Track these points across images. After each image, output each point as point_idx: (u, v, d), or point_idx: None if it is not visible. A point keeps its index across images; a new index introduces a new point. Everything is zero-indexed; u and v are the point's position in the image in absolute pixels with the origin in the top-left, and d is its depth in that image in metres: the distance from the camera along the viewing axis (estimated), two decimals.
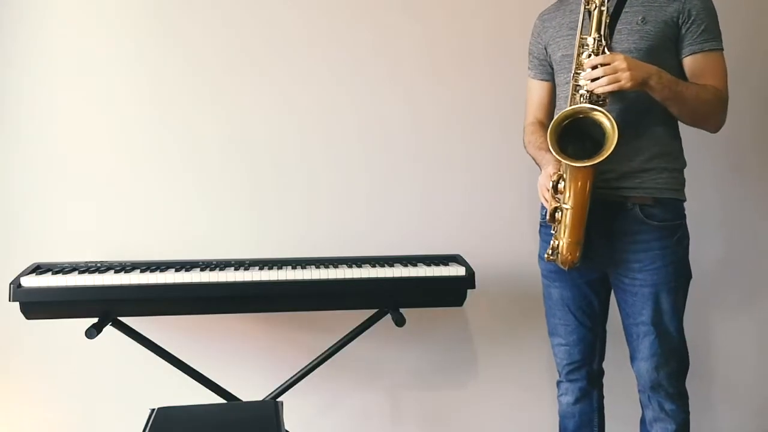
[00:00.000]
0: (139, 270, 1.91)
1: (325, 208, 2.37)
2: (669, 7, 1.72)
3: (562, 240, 1.73)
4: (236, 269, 1.95)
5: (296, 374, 2.14)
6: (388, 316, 2.03)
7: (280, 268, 1.98)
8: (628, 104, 1.73)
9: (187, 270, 1.93)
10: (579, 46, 1.68)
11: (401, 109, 2.40)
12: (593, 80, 1.63)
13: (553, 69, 1.91)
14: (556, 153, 1.63)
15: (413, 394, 2.48)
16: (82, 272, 1.90)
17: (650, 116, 1.75)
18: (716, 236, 2.55)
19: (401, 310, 2.01)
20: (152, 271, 1.91)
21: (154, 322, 2.18)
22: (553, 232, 1.77)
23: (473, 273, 2.02)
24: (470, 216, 2.44)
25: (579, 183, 1.66)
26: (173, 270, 1.93)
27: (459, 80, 2.42)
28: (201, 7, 2.29)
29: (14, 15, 2.21)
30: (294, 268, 1.99)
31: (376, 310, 2.11)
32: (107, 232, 2.27)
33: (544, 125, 1.94)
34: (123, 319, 2.01)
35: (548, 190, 1.73)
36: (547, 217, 1.75)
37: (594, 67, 1.62)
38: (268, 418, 1.78)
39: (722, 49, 1.75)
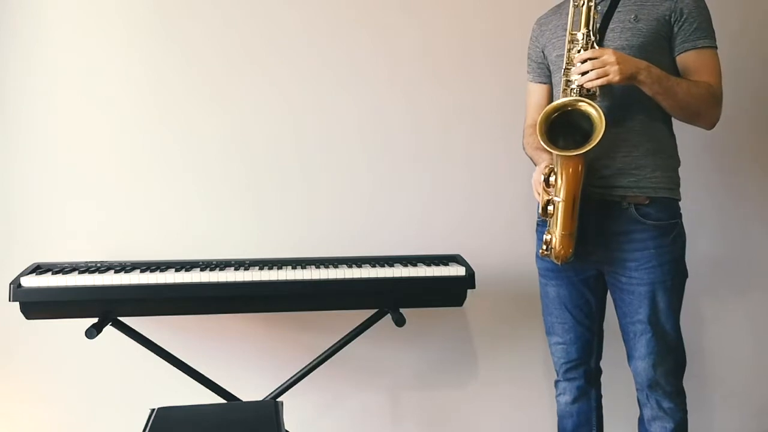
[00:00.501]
0: (139, 270, 1.91)
1: (325, 208, 2.37)
2: (661, 6, 1.74)
3: (555, 233, 1.74)
4: (236, 269, 1.95)
5: (296, 374, 2.14)
6: (388, 316, 2.03)
7: (280, 268, 1.98)
8: (622, 100, 1.74)
9: (187, 270, 1.93)
10: (569, 42, 1.71)
11: (401, 109, 2.40)
12: (583, 74, 1.65)
13: (550, 71, 1.93)
14: (545, 144, 1.65)
15: (413, 394, 2.49)
16: (82, 272, 1.90)
17: (644, 112, 1.76)
18: (712, 235, 2.55)
19: (401, 310, 2.01)
20: (152, 271, 1.91)
21: (154, 322, 2.18)
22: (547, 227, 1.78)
23: (473, 273, 2.02)
24: (470, 216, 2.44)
25: (570, 175, 1.68)
26: (173, 270, 1.93)
27: (459, 80, 2.42)
28: (201, 7, 2.29)
29: (14, 15, 2.21)
30: (294, 268, 1.98)
31: (376, 310, 2.11)
32: (107, 232, 2.27)
33: None
34: (123, 319, 2.01)
35: (540, 184, 1.75)
36: (540, 211, 1.77)
37: (583, 62, 1.64)
38: (268, 418, 1.78)
39: (715, 47, 1.76)
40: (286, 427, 1.83)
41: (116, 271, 1.90)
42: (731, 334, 2.60)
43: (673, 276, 1.78)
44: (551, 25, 1.91)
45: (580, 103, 1.65)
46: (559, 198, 1.70)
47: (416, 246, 2.29)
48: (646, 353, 1.79)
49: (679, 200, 1.83)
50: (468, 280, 2.01)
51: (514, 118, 2.22)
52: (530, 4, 2.10)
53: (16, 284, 1.83)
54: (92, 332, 1.86)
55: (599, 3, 1.78)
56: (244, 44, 2.32)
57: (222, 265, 2.00)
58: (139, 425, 1.75)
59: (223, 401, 2.10)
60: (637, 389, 1.87)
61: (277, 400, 1.99)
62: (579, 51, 1.68)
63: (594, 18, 1.68)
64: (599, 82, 1.63)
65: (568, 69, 1.70)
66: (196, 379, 2.09)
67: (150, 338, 2.05)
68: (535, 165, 1.89)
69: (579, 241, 1.76)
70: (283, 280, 1.93)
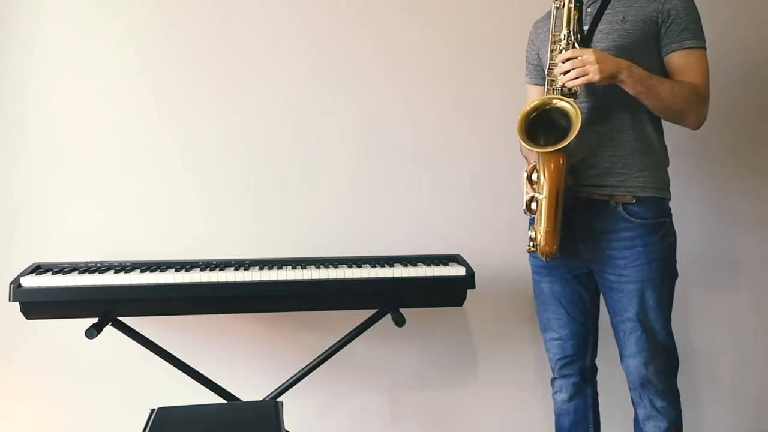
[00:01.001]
0: (139, 270, 1.91)
1: (325, 208, 2.37)
2: (649, 7, 1.76)
3: (540, 230, 1.77)
4: (236, 269, 1.95)
5: (296, 374, 2.14)
6: (388, 316, 2.03)
7: (280, 268, 1.98)
8: (609, 100, 1.76)
9: (187, 270, 1.93)
10: (552, 43, 1.74)
11: (401, 109, 2.40)
12: (564, 74, 1.68)
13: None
14: (525, 142, 1.70)
15: (413, 394, 2.49)
16: (82, 272, 1.90)
17: (631, 112, 1.77)
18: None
19: (401, 310, 2.01)
20: (152, 271, 1.91)
21: (154, 322, 2.18)
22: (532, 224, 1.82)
23: (473, 273, 2.02)
24: (470, 216, 2.44)
25: (551, 171, 1.71)
26: (173, 270, 1.93)
27: (459, 80, 2.42)
28: (201, 7, 2.29)
29: (14, 15, 2.21)
30: (294, 268, 1.98)
31: (376, 310, 2.11)
32: (107, 232, 2.27)
33: None
34: (123, 319, 2.01)
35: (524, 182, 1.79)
36: (523, 207, 1.80)
37: (564, 62, 1.67)
38: (268, 418, 1.78)
39: (704, 48, 1.77)
40: (286, 427, 1.83)
41: (116, 271, 1.90)
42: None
43: (662, 274, 1.78)
44: (545, 28, 1.92)
45: (555, 101, 1.70)
46: (542, 195, 1.74)
47: (416, 246, 2.29)
48: (637, 351, 1.80)
49: (669, 199, 1.84)
50: (468, 280, 2.01)
51: (514, 118, 2.21)
52: (530, 4, 2.10)
53: (16, 284, 1.83)
54: (92, 332, 1.86)
55: (589, 5, 1.82)
56: (244, 44, 2.32)
57: (222, 265, 2.00)
58: (139, 425, 1.75)
59: (223, 401, 2.10)
60: (630, 389, 1.88)
61: (277, 400, 1.99)
62: (561, 51, 1.71)
63: (575, 19, 1.72)
64: (579, 81, 1.66)
65: (551, 69, 1.74)
66: (196, 379, 2.09)
67: (150, 338, 2.05)
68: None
69: (569, 240, 1.79)
70: (283, 280, 1.93)
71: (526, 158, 1.96)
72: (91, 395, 2.30)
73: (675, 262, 1.84)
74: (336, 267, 1.99)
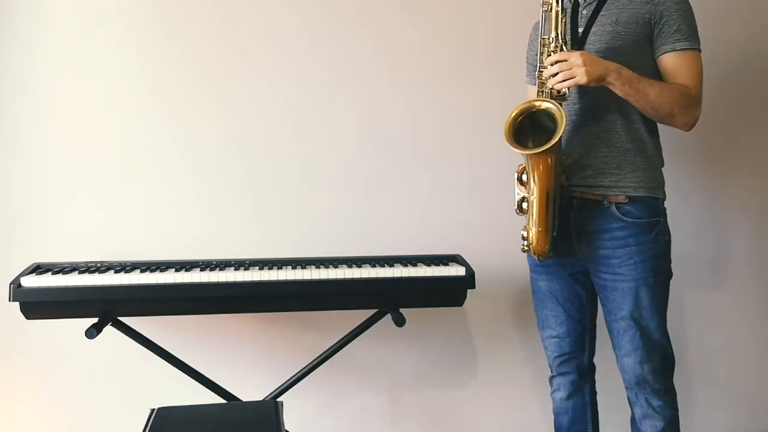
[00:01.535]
0: (139, 270, 1.91)
1: (325, 208, 2.37)
2: (642, 9, 1.77)
3: (532, 230, 1.79)
4: (236, 269, 1.95)
5: (296, 374, 2.14)
6: (388, 316, 2.03)
7: (280, 268, 1.98)
8: (601, 101, 1.77)
9: (187, 270, 1.93)
10: (541, 46, 1.77)
11: (401, 109, 2.40)
12: (553, 76, 1.70)
13: None
14: (511, 144, 1.72)
15: (413, 394, 2.49)
16: (82, 272, 1.90)
17: (624, 112, 1.78)
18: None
19: (401, 310, 2.01)
20: (152, 271, 1.91)
21: (154, 322, 2.18)
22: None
23: (473, 273, 2.02)
24: (470, 216, 2.44)
25: (540, 172, 1.74)
26: (173, 270, 1.93)
27: (458, 80, 2.42)
28: (201, 7, 2.29)
29: (14, 15, 2.21)
30: (294, 268, 1.99)
31: (376, 310, 2.11)
32: (107, 232, 2.27)
33: None
34: (123, 319, 2.01)
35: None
36: (515, 207, 1.82)
37: (553, 64, 1.70)
38: (268, 418, 1.78)
39: (697, 49, 1.77)
40: (286, 427, 1.83)
41: (116, 271, 1.90)
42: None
43: (655, 273, 1.79)
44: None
45: (539, 103, 1.73)
46: (533, 195, 1.76)
47: (416, 246, 2.29)
48: (632, 349, 1.80)
49: (663, 199, 1.84)
50: (468, 280, 2.01)
51: None
52: (530, 4, 2.09)
53: (16, 284, 1.83)
54: (92, 332, 1.86)
55: (585, 7, 1.84)
56: (244, 44, 2.32)
57: (222, 265, 2.00)
58: (139, 425, 1.75)
59: (223, 401, 2.10)
60: (626, 388, 1.88)
61: (277, 400, 1.99)
62: (549, 54, 1.73)
63: (562, 22, 1.74)
64: (567, 83, 1.68)
65: (540, 72, 1.75)
66: (196, 379, 2.09)
67: (150, 338, 2.05)
68: None
69: (564, 239, 1.81)
70: (283, 280, 1.93)
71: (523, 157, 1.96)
72: (91, 395, 2.30)
73: (669, 261, 1.84)
74: (336, 267, 1.99)
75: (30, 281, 1.85)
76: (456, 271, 2.02)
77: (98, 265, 1.99)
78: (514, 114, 1.75)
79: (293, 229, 2.35)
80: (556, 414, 2.04)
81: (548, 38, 1.75)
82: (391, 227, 2.40)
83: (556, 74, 1.69)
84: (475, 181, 2.44)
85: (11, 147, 2.23)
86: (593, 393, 2.03)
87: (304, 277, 1.94)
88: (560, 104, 1.70)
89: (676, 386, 1.88)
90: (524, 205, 1.80)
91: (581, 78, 1.65)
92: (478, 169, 2.44)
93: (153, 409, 1.80)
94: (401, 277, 1.99)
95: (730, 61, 2.52)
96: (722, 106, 2.49)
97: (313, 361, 2.15)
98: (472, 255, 2.12)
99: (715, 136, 2.53)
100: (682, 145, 2.38)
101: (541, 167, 1.73)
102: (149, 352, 2.04)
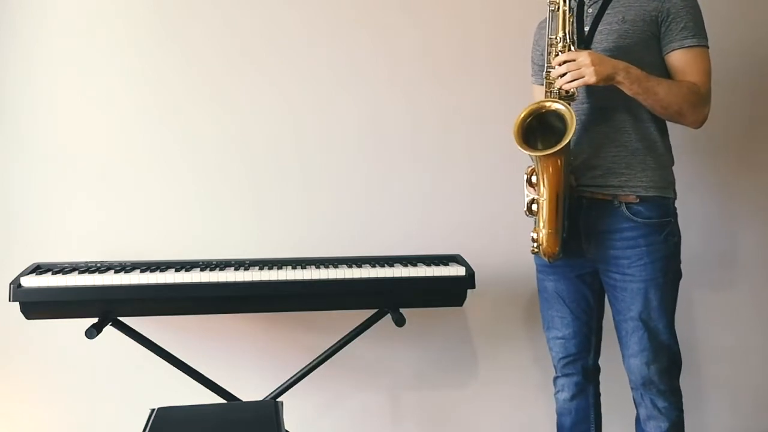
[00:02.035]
0: (139, 270, 1.91)
1: (325, 208, 2.37)
2: (648, 6, 1.75)
3: (541, 231, 1.79)
4: (236, 269, 1.95)
5: (296, 374, 2.14)
6: (388, 316, 2.03)
7: (280, 268, 1.98)
8: (609, 100, 1.76)
9: (187, 270, 1.93)
10: (549, 46, 1.75)
11: (401, 109, 2.40)
12: (561, 76, 1.69)
13: None
14: (521, 146, 1.71)
15: (413, 394, 2.48)
16: (82, 272, 1.90)
17: (632, 112, 1.77)
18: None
19: (401, 310, 2.01)
20: (152, 271, 1.91)
21: (154, 322, 2.18)
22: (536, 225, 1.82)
23: (473, 273, 2.02)
24: (470, 216, 2.44)
25: (549, 174, 1.73)
26: (173, 270, 1.93)
27: (459, 80, 2.42)
28: (201, 7, 2.29)
29: (14, 15, 2.21)
30: (294, 268, 1.98)
31: (376, 310, 2.11)
32: (107, 232, 2.27)
33: None
34: (123, 319, 2.01)
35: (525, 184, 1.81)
36: (525, 209, 1.82)
37: (561, 64, 1.68)
38: (268, 418, 1.78)
39: (705, 46, 1.76)
40: (286, 427, 1.83)
41: (116, 271, 1.90)
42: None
43: (665, 273, 1.78)
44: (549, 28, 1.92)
45: (549, 104, 1.71)
46: (543, 197, 1.75)
47: (416, 246, 2.29)
48: (639, 350, 1.80)
49: (673, 198, 1.83)
50: (468, 280, 2.01)
51: (514, 117, 2.21)
52: (530, 4, 2.09)
53: (16, 284, 1.83)
54: (92, 332, 1.86)
55: (590, 5, 1.82)
56: (244, 44, 2.32)
57: (222, 265, 2.00)
58: (139, 425, 1.74)
59: (223, 401, 2.10)
60: (631, 388, 1.87)
61: (277, 400, 1.99)
62: (557, 54, 1.72)
63: (570, 21, 1.72)
64: (575, 83, 1.67)
65: (548, 72, 1.74)
66: (196, 379, 2.09)
67: (150, 338, 2.05)
68: None
69: (573, 239, 1.79)
70: (283, 280, 1.93)
71: (532, 158, 1.95)
72: (91, 395, 2.30)
73: (679, 262, 1.84)
74: (336, 267, 1.99)
75: (30, 281, 1.85)
76: (456, 271, 2.02)
77: (98, 265, 1.99)
78: (522, 115, 1.73)
79: (293, 229, 2.35)
80: (559, 414, 2.04)
81: (555, 38, 1.73)
82: (391, 227, 2.40)
83: (564, 74, 1.67)
84: (475, 181, 2.44)
85: (11, 147, 2.23)
86: (597, 394, 2.02)
87: (304, 277, 1.94)
88: (569, 105, 1.69)
89: (684, 387, 1.87)
90: (534, 206, 1.79)
91: (590, 78, 1.64)
92: (478, 169, 2.44)
93: (153, 409, 1.80)
94: (401, 277, 1.99)
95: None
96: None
97: (313, 361, 2.15)
98: (472, 255, 2.12)
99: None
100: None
101: (550, 169, 1.72)
102: (149, 352, 2.04)
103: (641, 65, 1.69)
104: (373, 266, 2.01)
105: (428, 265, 2.04)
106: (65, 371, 2.28)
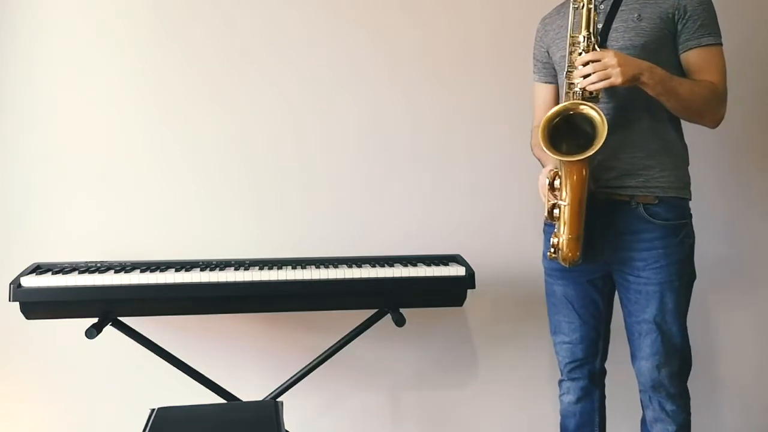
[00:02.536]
0: (139, 270, 1.91)
1: (325, 208, 2.37)
2: (664, 3, 1.73)
3: (562, 237, 1.73)
4: (236, 269, 1.95)
5: (296, 374, 2.14)
6: (388, 316, 2.03)
7: (280, 268, 1.98)
8: (627, 101, 1.74)
9: (187, 270, 1.93)
10: (570, 45, 1.71)
11: (401, 109, 2.40)
12: (585, 77, 1.64)
13: (556, 71, 1.92)
14: (547, 149, 1.66)
15: (413, 394, 2.48)
16: (82, 272, 1.90)
17: (650, 113, 1.75)
18: (720, 235, 2.53)
19: (401, 310, 2.01)
20: (152, 271, 1.91)
21: (154, 322, 2.18)
22: (554, 230, 1.77)
23: (473, 273, 2.02)
24: (470, 216, 2.44)
25: (574, 178, 1.68)
26: (173, 270, 1.93)
27: (459, 80, 2.42)
28: (201, 7, 2.29)
29: (14, 15, 2.21)
30: (294, 268, 1.98)
31: (376, 310, 2.11)
32: (107, 232, 2.27)
33: None
34: (123, 319, 2.01)
35: (545, 187, 1.75)
36: (546, 214, 1.77)
37: (585, 64, 1.64)
38: (268, 418, 1.78)
39: (720, 44, 1.75)
40: (286, 427, 1.83)
41: (116, 271, 1.90)
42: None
43: (680, 276, 1.77)
44: (554, 25, 1.90)
45: (582, 107, 1.65)
46: (565, 202, 1.70)
47: (416, 246, 2.29)
48: (651, 353, 1.78)
49: (689, 199, 1.82)
50: (468, 280, 2.01)
51: (514, 117, 2.23)
52: (530, 4, 2.10)
53: (16, 284, 1.83)
54: (92, 332, 1.86)
55: (601, 2, 1.78)
56: (244, 44, 2.32)
57: (222, 265, 2.00)
58: (139, 425, 1.75)
59: (223, 401, 2.10)
60: (640, 390, 1.86)
61: (277, 400, 1.99)
62: (580, 53, 1.67)
63: (594, 20, 1.67)
64: (601, 84, 1.62)
65: (570, 72, 1.70)
66: (196, 379, 2.09)
67: (150, 338, 2.05)
68: (543, 166, 1.88)
69: (587, 243, 1.75)
70: (283, 280, 1.93)
71: (538, 159, 1.94)
72: (91, 395, 2.30)
73: (693, 263, 1.82)
74: (336, 267, 1.99)
75: (30, 281, 1.85)
76: (456, 271, 2.02)
77: (98, 265, 1.99)
78: (550, 115, 1.68)
79: (293, 229, 2.35)
80: (563, 416, 2.02)
81: (578, 36, 1.68)
82: (391, 227, 2.40)
83: (589, 75, 1.63)
84: (475, 181, 2.44)
85: (11, 147, 2.23)
86: (602, 397, 2.00)
87: (304, 277, 1.94)
88: (601, 110, 1.64)
89: (696, 387, 1.86)
90: (555, 211, 1.73)
91: (616, 79, 1.60)
92: (478, 169, 2.44)
93: (153, 409, 1.80)
94: (401, 277, 1.98)
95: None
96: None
97: (313, 361, 2.15)
98: (472, 255, 2.12)
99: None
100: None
101: (574, 175, 1.67)
102: (149, 352, 2.04)
103: (658, 64, 1.66)
104: (373, 266, 2.01)
105: (428, 265, 2.04)
106: (65, 371, 2.28)
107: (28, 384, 2.28)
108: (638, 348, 1.81)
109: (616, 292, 1.90)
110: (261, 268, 1.96)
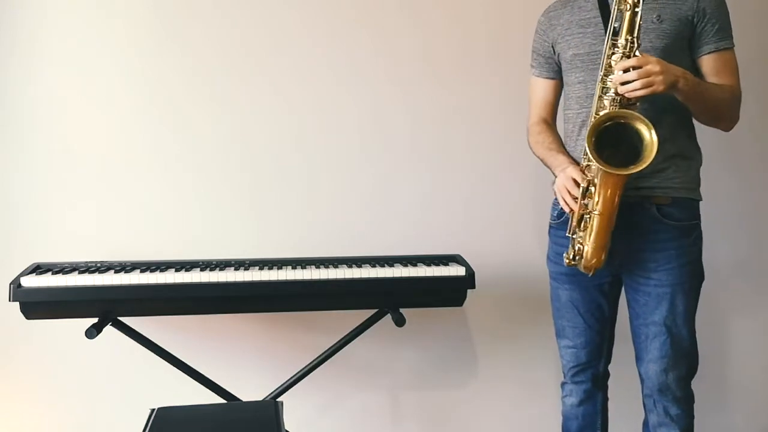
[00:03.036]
0: (139, 270, 1.91)
1: (325, 208, 2.37)
2: (683, 5, 1.71)
3: (587, 245, 1.69)
4: (236, 269, 1.95)
5: (296, 374, 2.14)
6: (388, 316, 2.03)
7: (280, 268, 1.98)
8: (650, 104, 1.68)
9: (187, 270, 1.93)
10: (609, 47, 1.63)
11: (401, 109, 2.40)
12: (624, 83, 1.57)
13: (560, 67, 1.88)
14: (594, 157, 1.59)
15: (413, 394, 2.48)
16: (82, 272, 1.90)
17: (672, 119, 1.73)
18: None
19: (401, 310, 2.01)
20: (152, 271, 1.91)
21: (154, 322, 2.18)
22: (574, 236, 1.73)
23: (473, 273, 2.02)
24: (470, 216, 2.44)
25: (609, 189, 1.63)
26: (173, 270, 1.93)
27: (459, 80, 2.42)
28: (201, 7, 2.29)
29: (14, 15, 2.21)
30: (294, 268, 1.98)
31: (376, 310, 2.11)
32: (107, 232, 2.27)
33: (550, 125, 1.93)
34: (123, 319, 2.01)
35: (569, 193, 1.70)
36: (572, 224, 1.72)
37: (626, 70, 1.57)
38: (268, 418, 1.78)
39: (734, 47, 1.75)
40: (286, 427, 1.83)
41: (116, 271, 1.90)
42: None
43: (691, 278, 1.76)
44: (563, 20, 1.84)
45: (638, 122, 1.58)
46: (597, 211, 1.65)
47: (416, 246, 2.29)
48: (659, 356, 1.76)
49: (700, 200, 1.81)
50: (468, 280, 2.01)
51: (514, 117, 2.22)
52: (531, 4, 2.09)
53: (16, 284, 1.83)
54: (92, 332, 1.86)
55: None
56: (244, 44, 2.32)
57: (222, 265, 1.99)
58: (139, 425, 1.75)
59: (223, 401, 2.10)
60: (644, 394, 1.84)
61: (277, 400, 1.99)
62: (621, 58, 1.59)
63: (639, 24, 1.59)
64: (644, 92, 1.56)
65: (605, 76, 1.63)
66: (196, 379, 2.09)
67: (150, 338, 2.05)
68: (546, 166, 1.87)
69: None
70: (283, 280, 1.93)
71: (541, 158, 1.89)
72: (91, 395, 2.30)
73: (702, 264, 1.82)
74: (336, 267, 1.99)
75: (30, 281, 1.85)
76: (456, 271, 2.02)
77: (98, 265, 1.99)
78: (600, 120, 1.60)
79: (293, 229, 2.35)
80: (566, 418, 2.00)
81: (620, 40, 1.60)
82: (391, 227, 2.40)
83: (630, 81, 1.56)
84: (475, 181, 2.44)
85: (11, 147, 2.23)
86: (605, 400, 1.99)
87: (304, 277, 1.94)
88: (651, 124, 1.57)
89: (703, 390, 1.86)
90: (585, 218, 1.68)
91: (659, 86, 1.55)
92: (478, 169, 2.44)
93: (153, 409, 1.80)
94: (401, 277, 1.99)
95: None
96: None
97: (313, 361, 2.15)
98: (472, 255, 2.12)
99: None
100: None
101: (611, 187, 1.62)
102: (149, 352, 2.05)
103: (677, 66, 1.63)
104: (373, 266, 2.01)
105: (428, 265, 2.04)
106: (65, 371, 2.28)
107: (28, 384, 2.28)
108: (646, 350, 1.79)
109: (623, 294, 1.89)
110: (261, 268, 1.96)
